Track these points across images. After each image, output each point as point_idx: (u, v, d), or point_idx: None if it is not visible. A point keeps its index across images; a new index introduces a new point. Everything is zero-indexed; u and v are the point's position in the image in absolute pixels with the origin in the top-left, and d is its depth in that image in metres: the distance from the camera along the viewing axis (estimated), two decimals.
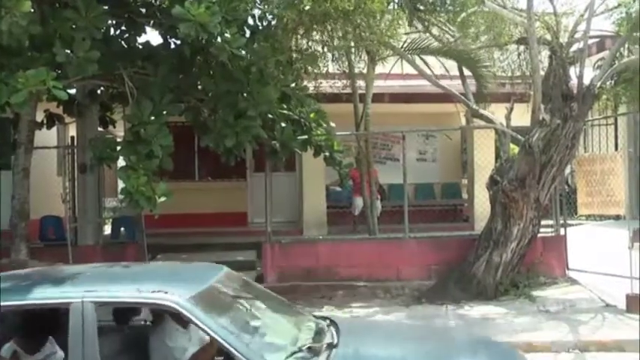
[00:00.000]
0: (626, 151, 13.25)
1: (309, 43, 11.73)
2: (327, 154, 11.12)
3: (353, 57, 13.27)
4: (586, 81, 10.59)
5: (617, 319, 9.48)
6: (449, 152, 18.60)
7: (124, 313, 5.75)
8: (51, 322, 4.97)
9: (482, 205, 13.07)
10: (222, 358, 4.85)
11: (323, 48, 11.94)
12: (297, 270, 11.91)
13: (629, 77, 11.88)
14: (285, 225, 15.05)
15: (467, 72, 13.22)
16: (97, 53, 8.12)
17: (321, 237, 13.40)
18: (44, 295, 4.72)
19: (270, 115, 10.05)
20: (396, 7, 11.97)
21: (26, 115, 9.46)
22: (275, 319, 5.36)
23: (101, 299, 4.69)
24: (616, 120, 15.84)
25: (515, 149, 12.69)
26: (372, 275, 11.79)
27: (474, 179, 15.30)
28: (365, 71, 13.59)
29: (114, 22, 9.80)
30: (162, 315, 5.23)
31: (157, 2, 9.68)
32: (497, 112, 12.73)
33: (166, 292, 4.61)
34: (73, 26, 8.17)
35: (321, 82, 13.40)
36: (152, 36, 10.36)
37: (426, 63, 13.56)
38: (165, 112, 8.98)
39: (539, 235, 11.36)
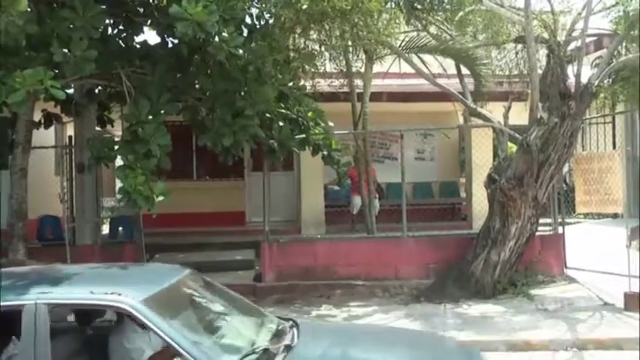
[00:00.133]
0: (623, 150, 13.29)
1: (307, 42, 11.74)
2: (325, 153, 11.12)
3: (350, 56, 13.25)
4: (584, 79, 10.58)
5: (615, 318, 9.49)
6: (447, 151, 18.60)
7: (86, 313, 5.74)
8: (14, 323, 4.96)
9: (480, 203, 13.06)
10: None
11: (320, 47, 11.93)
12: (296, 269, 11.90)
13: (626, 76, 11.87)
14: (283, 224, 15.07)
15: (465, 71, 13.22)
16: (94, 52, 8.12)
17: (319, 236, 13.39)
18: None
19: (267, 114, 10.06)
20: (393, 6, 11.97)
21: (24, 114, 9.48)
22: (234, 321, 5.35)
23: (54, 301, 4.70)
24: (614, 118, 15.84)
25: (513, 148, 12.71)
26: (370, 274, 11.79)
27: (472, 178, 15.31)
28: (363, 70, 13.59)
29: (111, 21, 9.81)
30: (123, 316, 5.20)
31: (155, 1, 9.67)
32: (495, 110, 12.74)
33: (120, 294, 4.62)
34: (71, 25, 8.16)
35: (318, 81, 13.39)
36: (150, 35, 10.36)
37: (423, 62, 13.57)
38: (162, 112, 8.98)
39: (537, 233, 11.36)
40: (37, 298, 4.60)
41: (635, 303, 9.58)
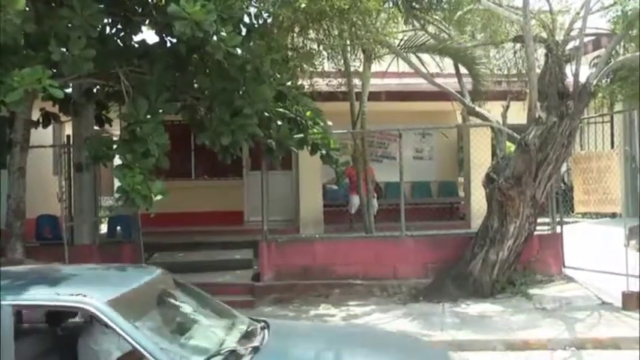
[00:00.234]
0: (622, 149, 13.29)
1: (305, 42, 11.74)
2: (323, 152, 11.11)
3: (349, 55, 13.26)
4: (582, 79, 10.58)
5: (613, 317, 9.50)
6: (445, 150, 18.60)
7: (58, 314, 5.73)
8: None
9: (478, 203, 13.07)
10: None
11: (319, 46, 11.94)
12: (294, 268, 11.89)
13: (625, 75, 11.88)
14: (281, 223, 15.06)
15: (463, 70, 13.22)
16: (92, 51, 8.12)
17: (317, 235, 13.37)
18: None
19: (266, 114, 10.06)
20: (391, 5, 11.97)
21: (22, 113, 9.47)
22: (203, 322, 5.35)
23: (18, 302, 4.70)
24: (612, 118, 15.85)
25: (511, 147, 12.70)
26: (368, 273, 11.78)
27: (470, 177, 15.31)
28: (361, 69, 13.58)
29: (110, 20, 9.80)
30: (93, 318, 5.18)
31: (153, 1, 9.66)
32: (493, 110, 12.75)
33: (85, 295, 4.60)
34: (69, 24, 8.16)
35: (317, 81, 13.40)
36: (148, 34, 10.36)
37: (421, 61, 13.57)
38: (161, 111, 8.99)
39: (535, 233, 11.36)
40: (0, 299, 4.57)
41: (634, 302, 9.60)
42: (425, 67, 13.38)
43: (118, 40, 9.95)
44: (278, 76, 10.20)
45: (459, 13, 11.82)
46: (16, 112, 9.26)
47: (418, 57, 13.49)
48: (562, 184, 14.09)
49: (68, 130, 13.89)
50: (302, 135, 10.86)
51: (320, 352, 5.06)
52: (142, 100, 8.77)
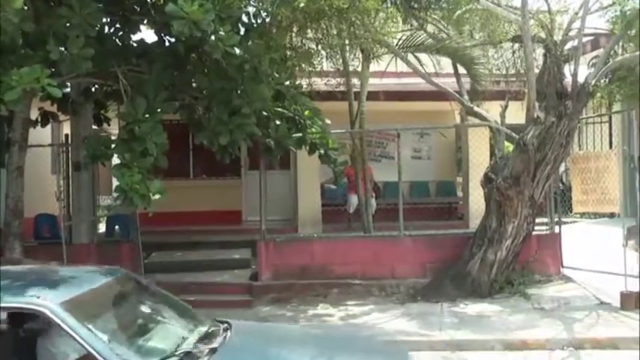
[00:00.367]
0: (620, 149, 13.28)
1: (304, 41, 11.71)
2: (321, 151, 11.12)
3: (347, 55, 13.25)
4: (580, 79, 10.59)
5: (611, 317, 9.50)
6: (444, 150, 18.59)
7: (21, 315, 5.66)
8: None
9: (477, 202, 13.07)
10: None
11: (317, 45, 11.92)
12: (292, 268, 11.89)
13: (623, 75, 11.89)
14: (279, 223, 15.04)
15: (461, 70, 13.21)
16: (90, 50, 8.11)
17: (315, 235, 13.36)
18: None
19: (264, 113, 10.05)
20: (390, 4, 11.95)
21: (20, 112, 9.44)
22: (163, 324, 5.33)
23: None
24: (610, 118, 15.86)
25: (509, 147, 12.70)
26: (366, 273, 11.78)
27: (468, 177, 15.31)
28: (359, 69, 13.57)
29: (108, 19, 9.77)
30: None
31: (151, 0, 9.65)
32: (491, 109, 12.73)
33: (39, 297, 4.55)
34: (67, 24, 8.15)
35: (315, 80, 13.39)
36: (147, 34, 10.34)
37: (419, 61, 13.55)
38: (159, 110, 8.98)
39: (533, 232, 11.37)
40: None
41: (632, 302, 9.61)
42: (423, 67, 13.36)
43: (117, 40, 9.93)
44: (276, 75, 10.20)
45: (458, 12, 11.82)
46: (15, 111, 9.23)
47: (416, 57, 13.48)
48: (560, 184, 14.11)
49: (66, 129, 13.88)
50: (300, 134, 10.85)
51: (275, 353, 5.09)
52: (140, 100, 8.76)
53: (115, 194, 8.91)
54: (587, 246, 12.58)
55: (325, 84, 13.88)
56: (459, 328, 9.32)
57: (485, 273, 10.90)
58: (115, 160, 9.22)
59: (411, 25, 12.88)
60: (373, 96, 13.99)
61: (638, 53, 10.69)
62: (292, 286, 11.60)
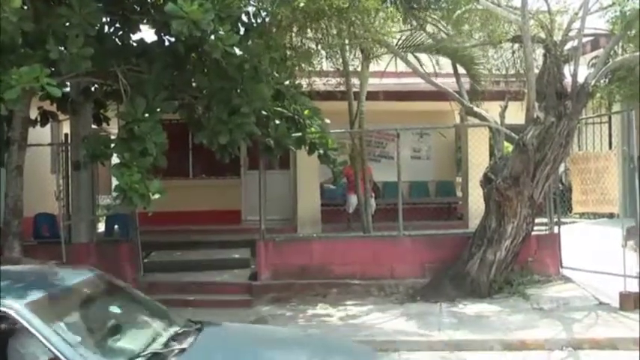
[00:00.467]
0: (620, 150, 13.28)
1: (303, 41, 11.71)
2: (321, 151, 11.11)
3: (347, 54, 13.25)
4: (580, 79, 10.59)
5: (610, 317, 9.51)
6: (443, 150, 18.60)
7: None
8: None
9: (476, 203, 13.07)
10: None
11: (317, 45, 11.93)
12: (291, 268, 11.89)
13: (623, 75, 11.90)
14: (279, 223, 15.05)
15: (461, 70, 13.21)
16: (90, 50, 8.10)
17: (315, 235, 13.37)
18: None
19: (264, 113, 10.05)
20: (390, 4, 11.94)
21: (20, 112, 9.44)
22: (133, 324, 5.32)
23: None
24: (610, 118, 15.86)
25: (509, 147, 12.71)
26: (366, 273, 11.78)
27: (468, 177, 15.32)
28: (359, 69, 13.57)
29: (108, 19, 9.77)
30: None
31: None
32: (491, 110, 12.73)
33: (5, 298, 4.53)
34: (67, 23, 8.15)
35: (315, 80, 13.39)
36: (146, 33, 10.34)
37: (419, 61, 13.55)
38: (159, 110, 8.97)
39: (533, 233, 11.38)
40: None
41: (631, 303, 9.61)
42: (423, 67, 13.36)
43: (116, 39, 9.93)
44: (276, 75, 10.19)
45: (458, 12, 11.80)
46: (14, 111, 9.23)
47: (416, 57, 13.48)
48: (560, 185, 14.09)
49: (66, 128, 13.87)
50: (300, 134, 10.85)
51: (243, 353, 5.11)
52: (139, 99, 8.76)
53: (114, 194, 8.91)
54: (586, 246, 12.58)
55: (325, 84, 13.89)
56: (458, 328, 9.32)
57: (484, 273, 10.90)
58: (115, 159, 9.21)
59: (411, 25, 12.88)
60: (373, 96, 13.99)
61: (637, 53, 10.70)
62: (292, 286, 11.60)
